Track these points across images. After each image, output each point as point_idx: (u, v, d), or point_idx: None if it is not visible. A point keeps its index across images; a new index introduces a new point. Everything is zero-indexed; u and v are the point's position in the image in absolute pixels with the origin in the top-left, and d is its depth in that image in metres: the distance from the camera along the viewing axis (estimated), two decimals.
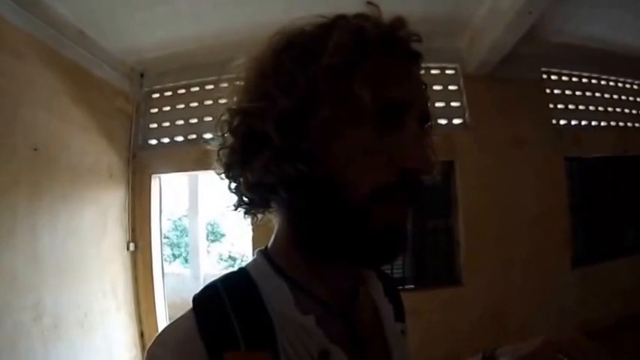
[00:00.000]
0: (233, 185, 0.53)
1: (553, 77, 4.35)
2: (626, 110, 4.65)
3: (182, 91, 4.16)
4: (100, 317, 3.41)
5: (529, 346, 0.56)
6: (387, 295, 0.60)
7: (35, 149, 2.83)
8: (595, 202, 4.41)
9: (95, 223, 3.52)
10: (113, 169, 3.82)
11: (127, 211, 3.98)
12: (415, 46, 0.51)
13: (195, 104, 4.11)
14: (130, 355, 3.75)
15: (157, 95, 4.24)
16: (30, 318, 2.68)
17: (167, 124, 4.19)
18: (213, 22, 3.38)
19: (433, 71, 4.02)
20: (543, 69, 4.25)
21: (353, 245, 0.47)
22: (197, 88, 4.10)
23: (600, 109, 4.51)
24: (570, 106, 4.37)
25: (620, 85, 4.67)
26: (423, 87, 0.52)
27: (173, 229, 9.47)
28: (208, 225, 8.72)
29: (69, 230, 3.16)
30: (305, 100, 0.45)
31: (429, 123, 0.52)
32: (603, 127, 4.50)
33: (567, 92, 4.39)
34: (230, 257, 9.31)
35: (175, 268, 7.99)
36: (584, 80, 4.48)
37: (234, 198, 0.54)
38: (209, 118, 3.93)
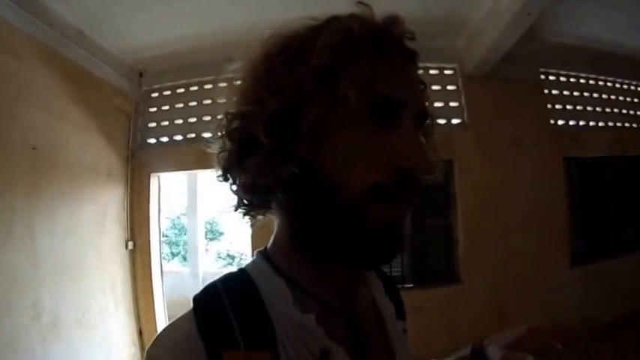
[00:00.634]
0: (233, 187, 0.53)
1: (551, 77, 4.37)
2: (624, 110, 4.68)
3: (181, 90, 4.16)
4: (99, 316, 3.42)
5: (515, 333, 0.58)
6: (387, 294, 0.60)
7: (34, 148, 2.83)
8: (593, 202, 4.44)
9: (94, 222, 3.52)
10: (112, 168, 3.82)
11: (125, 209, 3.98)
12: (411, 44, 0.50)
13: (193, 103, 4.11)
14: (128, 353, 3.75)
15: (155, 94, 4.24)
16: (29, 317, 2.69)
17: (166, 123, 4.19)
18: (212, 21, 3.38)
19: (432, 71, 4.04)
20: (542, 69, 4.27)
21: (350, 246, 0.46)
22: (196, 88, 4.11)
23: (598, 109, 4.53)
24: (568, 107, 4.40)
25: (617, 85, 4.70)
26: (421, 86, 0.52)
27: (172, 228, 9.47)
28: (207, 223, 8.72)
29: (68, 229, 3.16)
30: (293, 102, 0.45)
31: (428, 122, 0.51)
32: (601, 127, 4.52)
33: (565, 92, 4.41)
34: (228, 255, 9.32)
35: (174, 266, 7.97)
36: (582, 81, 4.51)
37: (235, 199, 0.54)
38: (208, 118, 3.93)
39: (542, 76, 4.29)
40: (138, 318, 3.97)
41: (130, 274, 3.96)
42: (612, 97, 4.63)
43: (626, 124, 4.66)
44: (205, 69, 3.78)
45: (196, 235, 6.64)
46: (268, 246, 0.54)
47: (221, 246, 9.73)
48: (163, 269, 4.29)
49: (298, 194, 0.47)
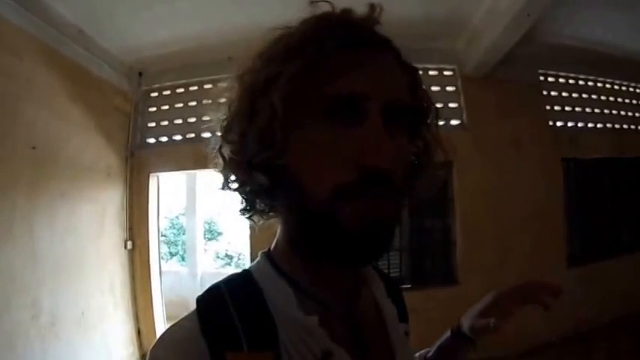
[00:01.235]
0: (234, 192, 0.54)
1: (550, 79, 4.37)
2: (623, 112, 4.68)
3: (180, 90, 4.16)
4: (98, 315, 3.42)
5: (483, 302, 0.65)
6: (389, 296, 0.60)
7: (34, 147, 2.83)
8: (591, 203, 4.45)
9: (93, 222, 3.53)
10: (111, 167, 3.82)
11: (124, 209, 3.98)
12: (381, 30, 0.48)
13: (193, 103, 4.11)
14: (127, 352, 3.75)
15: (155, 94, 4.24)
16: (28, 316, 2.69)
17: (165, 122, 4.19)
18: (212, 21, 3.38)
19: (431, 72, 4.04)
20: (541, 71, 4.27)
21: (329, 247, 0.45)
22: (195, 87, 4.11)
23: (597, 111, 4.54)
24: (567, 108, 4.40)
25: (616, 87, 4.71)
26: (407, 75, 0.50)
27: (170, 228, 9.45)
28: (205, 223, 8.70)
29: (67, 228, 3.16)
30: (244, 112, 0.48)
31: (404, 115, 0.47)
32: (600, 128, 4.53)
33: (564, 94, 4.42)
34: (227, 255, 9.30)
35: (172, 266, 7.95)
36: (581, 82, 4.51)
37: (239, 203, 0.56)
38: (207, 118, 3.92)
39: (542, 78, 4.30)
40: (136, 317, 3.97)
41: (129, 273, 3.97)
42: (611, 98, 4.64)
43: (625, 126, 4.67)
44: (205, 69, 3.79)
45: (195, 235, 6.63)
46: (271, 247, 0.55)
47: (219, 246, 9.71)
48: (162, 269, 4.29)
49: (277, 198, 0.50)
